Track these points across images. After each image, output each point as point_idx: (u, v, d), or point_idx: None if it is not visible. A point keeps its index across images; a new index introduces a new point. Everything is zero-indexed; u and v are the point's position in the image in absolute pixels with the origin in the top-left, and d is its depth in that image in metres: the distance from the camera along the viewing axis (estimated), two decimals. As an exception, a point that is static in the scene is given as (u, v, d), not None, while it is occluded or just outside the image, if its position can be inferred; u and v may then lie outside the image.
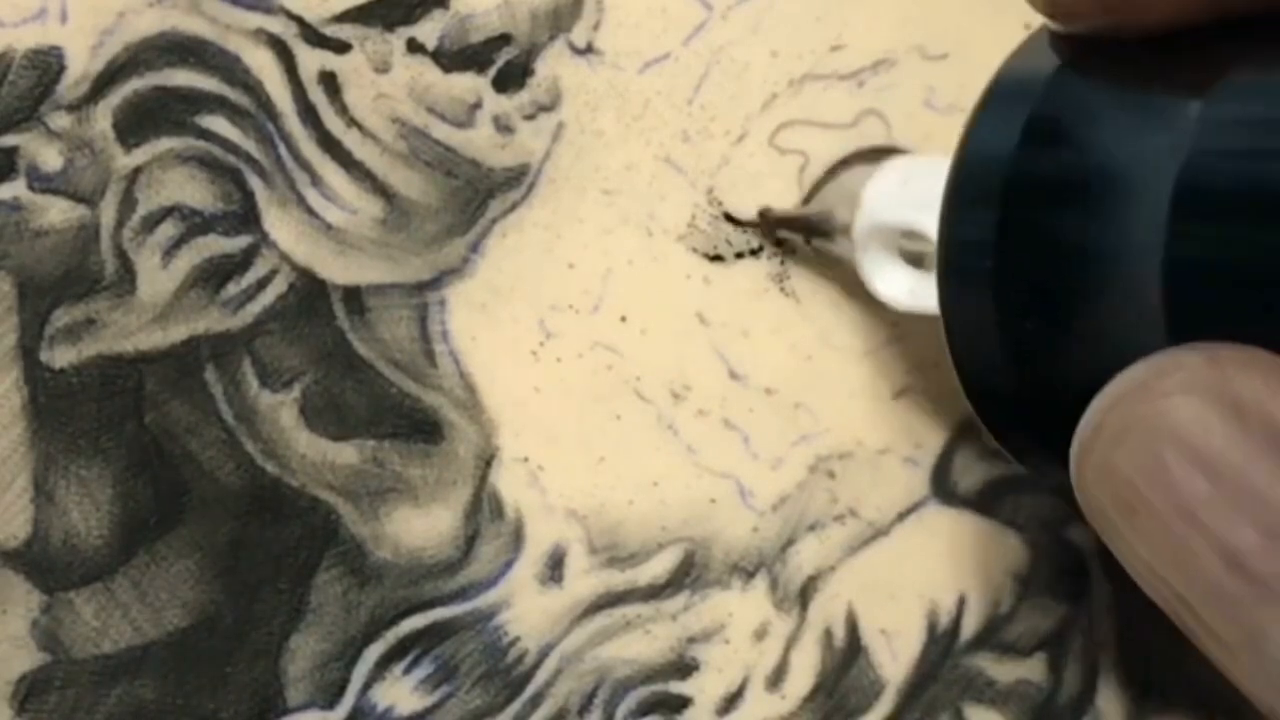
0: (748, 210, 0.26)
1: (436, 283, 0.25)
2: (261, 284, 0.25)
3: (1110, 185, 0.18)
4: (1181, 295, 0.17)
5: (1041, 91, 0.19)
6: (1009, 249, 0.19)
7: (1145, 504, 0.16)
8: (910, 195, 0.24)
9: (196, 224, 0.25)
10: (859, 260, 0.24)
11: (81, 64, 0.24)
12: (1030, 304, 0.19)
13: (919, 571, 0.27)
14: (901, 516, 0.27)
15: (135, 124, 0.25)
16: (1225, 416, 0.16)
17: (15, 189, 0.24)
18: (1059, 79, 0.19)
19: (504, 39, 0.26)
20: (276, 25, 0.25)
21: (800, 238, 0.26)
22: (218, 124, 0.25)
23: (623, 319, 0.26)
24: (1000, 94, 0.20)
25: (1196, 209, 0.17)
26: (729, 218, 0.26)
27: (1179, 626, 0.17)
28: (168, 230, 0.25)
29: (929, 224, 0.22)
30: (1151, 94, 0.18)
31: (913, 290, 0.24)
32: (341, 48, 0.25)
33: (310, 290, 0.25)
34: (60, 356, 0.24)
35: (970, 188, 0.20)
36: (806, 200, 0.26)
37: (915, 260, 0.24)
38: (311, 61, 0.25)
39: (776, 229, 0.26)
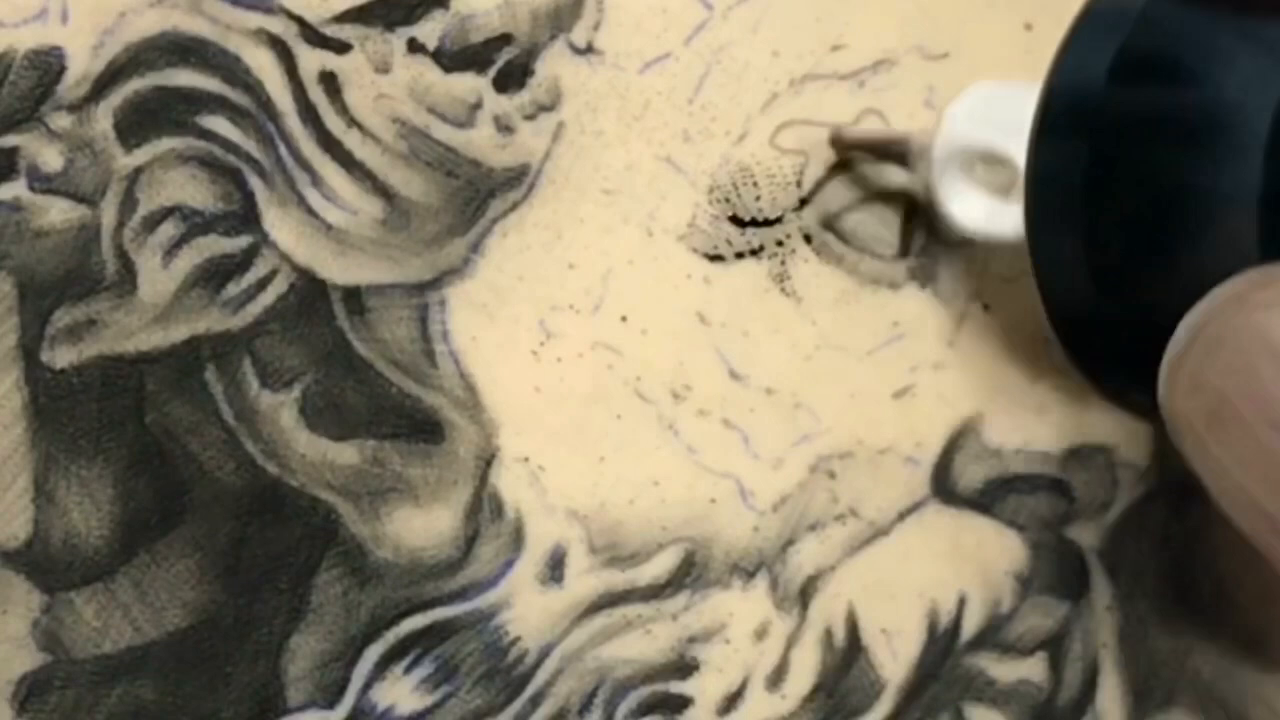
0: (748, 210, 0.26)
1: (437, 283, 0.25)
2: (262, 284, 0.25)
3: (1207, 116, 0.18)
4: (1277, 224, 0.17)
5: (1136, 19, 0.19)
6: (1100, 179, 0.19)
7: (1236, 416, 0.16)
8: (994, 119, 0.23)
9: (197, 224, 0.25)
10: (934, 183, 0.24)
11: (82, 64, 0.24)
12: (1120, 232, 0.19)
13: (919, 571, 0.27)
14: (902, 516, 0.27)
15: (136, 124, 0.25)
16: None
17: (16, 189, 0.24)
18: (1154, 7, 0.19)
19: (504, 39, 0.26)
20: (277, 25, 0.25)
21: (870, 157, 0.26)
22: (218, 124, 0.25)
23: (623, 319, 0.26)
24: (1092, 21, 0.20)
25: None
26: (732, 218, 0.26)
27: (1258, 545, 0.16)
28: (168, 230, 0.25)
29: (1013, 149, 0.22)
30: (1253, 23, 0.18)
31: (990, 216, 0.24)
32: (342, 48, 0.25)
33: (310, 290, 0.25)
34: (61, 357, 0.24)
35: (1061, 116, 0.20)
36: (806, 201, 0.26)
37: (993, 186, 0.24)
38: (312, 61, 0.25)
39: (849, 150, 0.26)
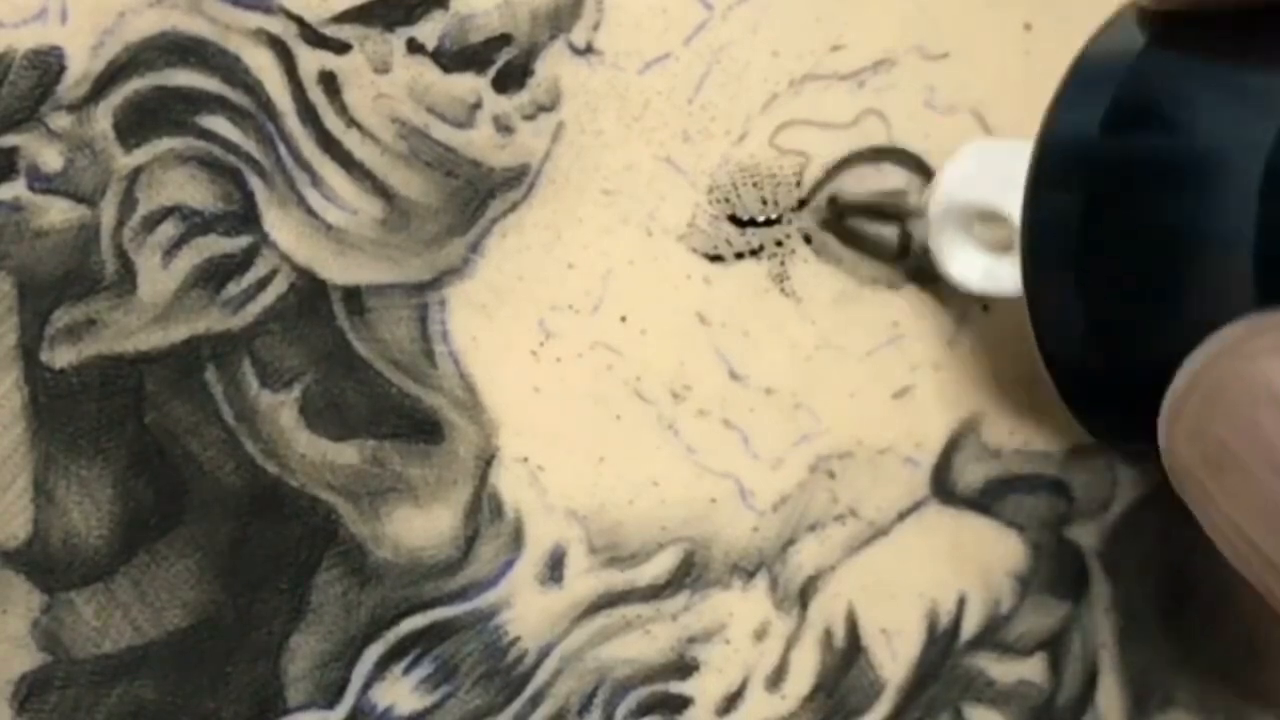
0: (748, 210, 0.26)
1: (436, 283, 0.25)
2: (262, 284, 0.25)
3: (1200, 164, 0.18)
4: (1272, 271, 0.17)
5: (1128, 70, 0.19)
6: (1096, 230, 0.19)
7: (1237, 462, 0.16)
8: (989, 176, 0.23)
9: (197, 224, 0.25)
10: (932, 243, 0.24)
11: (82, 64, 0.24)
12: (1117, 282, 0.19)
13: (919, 571, 0.27)
14: (902, 516, 0.27)
15: (135, 124, 0.25)
16: None
17: (15, 189, 0.24)
18: (1147, 57, 0.19)
19: (504, 39, 0.26)
20: (276, 25, 0.25)
21: (861, 221, 0.26)
22: (218, 124, 0.25)
23: (623, 319, 0.26)
24: (1086, 72, 0.20)
25: None
26: (732, 218, 0.26)
27: (1263, 591, 0.17)
28: (168, 230, 0.25)
29: (1009, 205, 0.22)
30: (1243, 70, 0.18)
31: (988, 272, 0.24)
32: (341, 48, 0.25)
33: (310, 290, 0.25)
34: (60, 356, 0.24)
35: (1056, 168, 0.20)
36: (806, 201, 0.26)
37: (990, 244, 0.24)
38: (311, 61, 0.25)
39: (846, 214, 0.26)
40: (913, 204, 0.25)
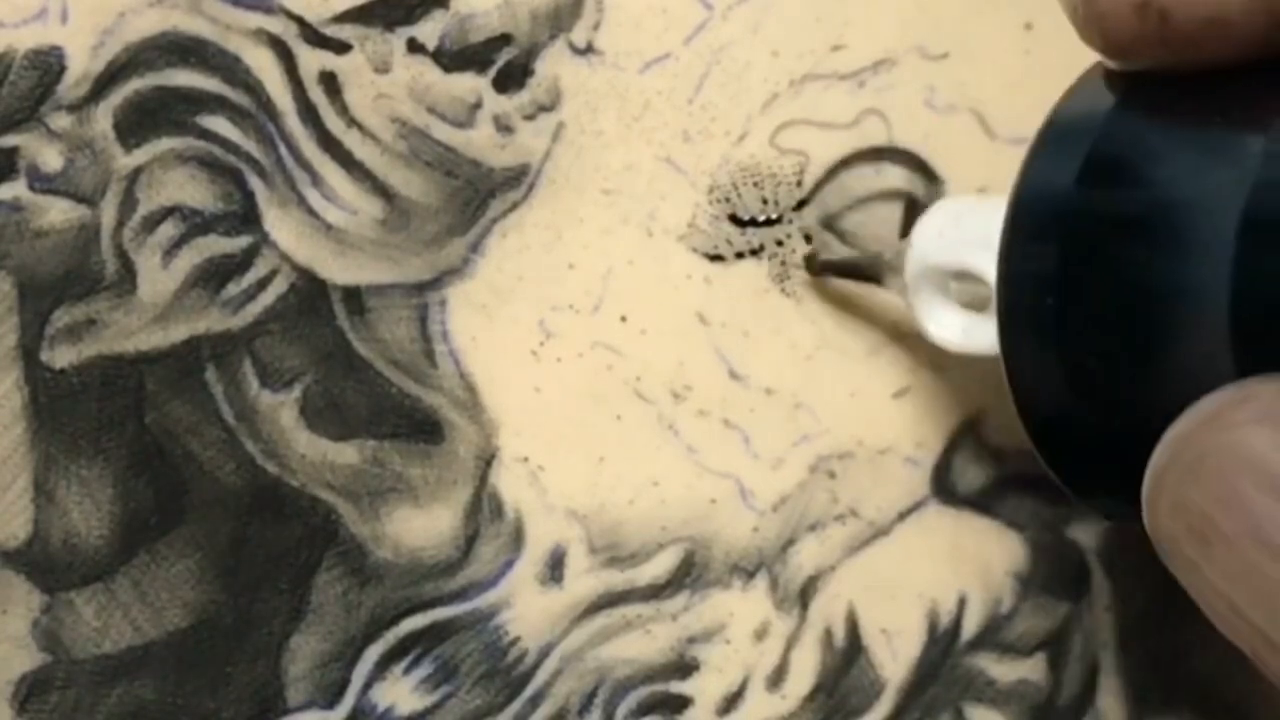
0: (748, 210, 0.26)
1: (437, 283, 0.25)
2: (262, 284, 0.25)
3: (1174, 221, 0.18)
4: (1249, 328, 0.17)
5: (1100, 129, 0.19)
6: (1071, 287, 0.19)
7: (1221, 535, 0.16)
8: (962, 235, 0.23)
9: (197, 224, 0.25)
10: (910, 302, 0.24)
11: (82, 64, 0.24)
12: (1094, 341, 0.19)
13: (919, 571, 0.27)
14: (902, 516, 0.27)
15: (136, 124, 0.25)
16: None
17: (16, 189, 0.24)
18: (1117, 116, 0.19)
19: (504, 39, 0.26)
20: (277, 25, 0.25)
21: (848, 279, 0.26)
22: (218, 124, 0.25)
23: (623, 319, 0.26)
24: (1058, 132, 0.20)
25: (1263, 242, 0.17)
26: (732, 218, 0.26)
27: (1256, 663, 0.17)
28: (168, 230, 0.25)
29: (983, 264, 0.22)
30: (1212, 129, 0.18)
31: (966, 331, 0.24)
32: (342, 48, 0.25)
33: (310, 290, 0.25)
34: (61, 356, 0.24)
35: (1030, 226, 0.20)
36: (806, 201, 0.26)
37: (967, 302, 0.24)
38: (312, 61, 0.25)
39: (824, 274, 0.26)
40: (889, 263, 0.25)
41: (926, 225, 0.24)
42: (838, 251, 0.26)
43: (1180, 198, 0.18)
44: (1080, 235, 0.19)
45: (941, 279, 0.24)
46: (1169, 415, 0.17)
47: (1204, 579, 0.17)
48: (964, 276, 0.24)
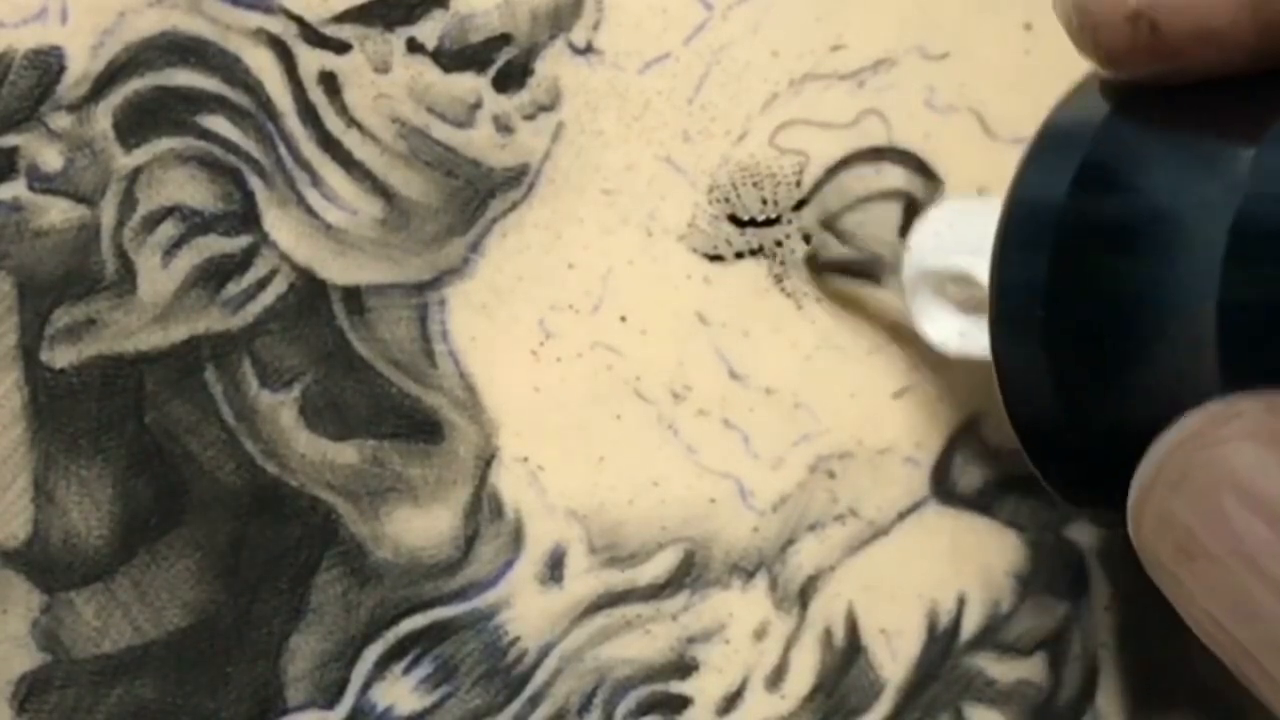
0: (748, 210, 0.26)
1: (436, 283, 0.25)
2: (261, 284, 0.25)
3: (1164, 231, 0.18)
4: (1236, 340, 0.17)
5: (1092, 138, 0.19)
6: (1062, 295, 0.19)
7: (1204, 551, 0.16)
8: (959, 240, 0.23)
9: (197, 224, 0.25)
10: (907, 304, 0.24)
11: (82, 64, 0.24)
12: (1083, 349, 0.19)
13: (919, 571, 0.27)
14: (901, 516, 0.27)
15: (135, 124, 0.25)
16: None
17: (15, 189, 0.24)
18: (1110, 125, 0.19)
19: (504, 39, 0.26)
20: (276, 25, 0.25)
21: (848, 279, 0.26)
22: (218, 124, 0.25)
23: (623, 319, 0.26)
24: (1051, 140, 0.20)
25: (1251, 254, 0.17)
26: (732, 218, 0.26)
27: (1239, 677, 0.17)
28: (168, 230, 0.25)
29: (978, 268, 0.22)
30: (1203, 140, 0.18)
31: (963, 334, 0.24)
32: (341, 48, 0.25)
33: (310, 290, 0.25)
34: (60, 356, 0.24)
35: (1022, 233, 0.20)
36: (805, 201, 0.26)
37: (964, 305, 0.24)
38: (311, 61, 0.25)
39: (824, 273, 0.26)
40: (888, 263, 0.25)
41: (923, 228, 0.24)
42: (837, 251, 0.26)
43: (1170, 207, 0.18)
44: (1071, 243, 0.19)
45: (938, 282, 0.24)
46: (1156, 425, 0.17)
47: (1186, 592, 0.17)
48: (960, 280, 0.24)
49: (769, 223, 0.26)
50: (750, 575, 0.26)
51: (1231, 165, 0.17)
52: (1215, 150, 0.18)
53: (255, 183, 0.25)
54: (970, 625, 0.27)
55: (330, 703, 0.25)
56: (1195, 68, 0.18)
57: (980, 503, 0.27)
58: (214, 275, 0.25)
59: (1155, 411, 0.17)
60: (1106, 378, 0.19)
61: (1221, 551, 0.16)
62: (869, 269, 0.25)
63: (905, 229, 0.27)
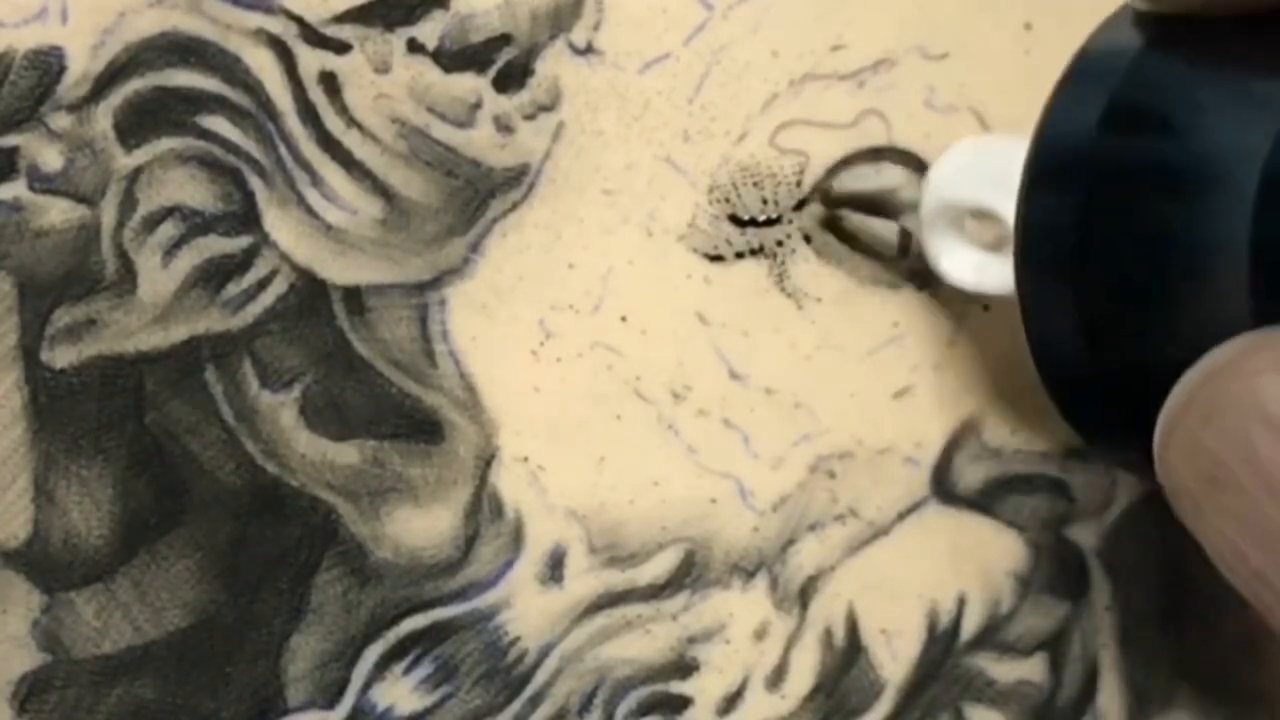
0: (748, 210, 0.26)
1: (436, 283, 0.25)
2: (262, 284, 0.25)
3: (1196, 169, 0.18)
4: (1268, 277, 0.17)
5: (1125, 71, 0.19)
6: (1091, 231, 0.19)
7: (1231, 480, 0.16)
8: (982, 173, 0.23)
9: (197, 224, 0.25)
10: (924, 239, 0.24)
11: (82, 64, 0.24)
12: (1111, 286, 0.19)
13: (919, 571, 0.27)
14: (902, 516, 0.27)
15: (136, 124, 0.25)
16: None
17: (15, 189, 0.24)
18: (1144, 59, 0.19)
19: (504, 39, 0.26)
20: (277, 25, 0.25)
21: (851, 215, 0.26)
22: (218, 124, 0.25)
23: (623, 319, 0.26)
24: (1082, 73, 0.20)
25: None
26: (732, 218, 0.26)
27: (1255, 606, 0.17)
28: (168, 230, 0.25)
29: (1001, 203, 0.22)
30: (1241, 76, 0.18)
31: (979, 270, 0.24)
32: (342, 48, 0.25)
33: (310, 290, 0.25)
34: (61, 356, 0.24)
35: (1051, 168, 0.20)
36: (806, 201, 0.26)
37: (983, 241, 0.24)
38: (312, 61, 0.25)
39: (837, 207, 0.26)
40: (905, 198, 0.25)
41: (946, 162, 0.24)
42: (837, 252, 0.26)
43: (1203, 144, 0.18)
44: (1101, 179, 0.19)
45: (958, 217, 0.24)
46: (1184, 363, 0.17)
47: (1211, 525, 0.17)
48: (981, 215, 0.23)
49: (769, 223, 0.26)
50: (750, 575, 0.26)
51: (1266, 102, 0.17)
52: (1251, 87, 0.17)
53: (255, 183, 0.25)
54: (970, 625, 0.27)
55: (330, 703, 0.25)
56: (1235, 1, 0.18)
57: (980, 503, 0.27)
58: (214, 275, 0.25)
59: (1184, 350, 0.17)
60: (1134, 316, 0.18)
61: (1248, 482, 0.16)
62: (883, 204, 0.25)
63: (905, 230, 0.27)
